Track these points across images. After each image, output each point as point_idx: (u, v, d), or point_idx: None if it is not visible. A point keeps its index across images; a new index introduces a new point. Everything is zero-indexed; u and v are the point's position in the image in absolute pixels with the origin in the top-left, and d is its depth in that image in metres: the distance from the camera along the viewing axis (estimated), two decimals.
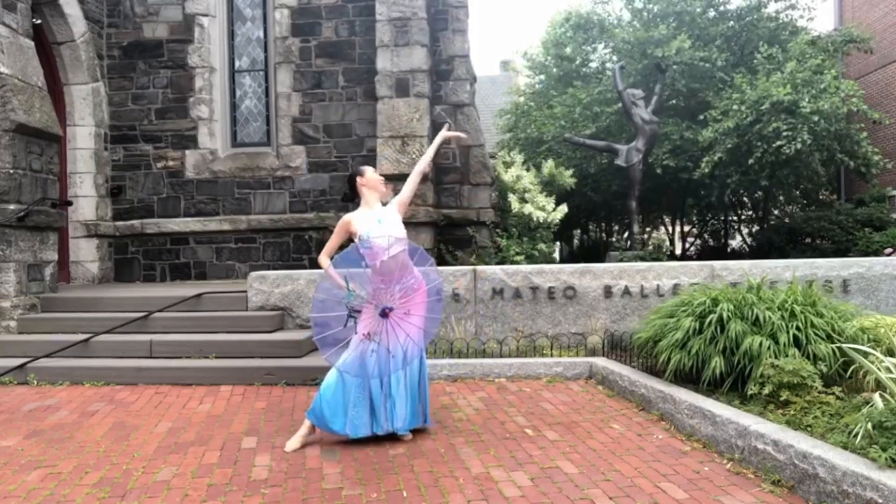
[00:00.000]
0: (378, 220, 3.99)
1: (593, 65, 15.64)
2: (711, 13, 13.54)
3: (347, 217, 4.09)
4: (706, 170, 11.19)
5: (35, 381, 5.51)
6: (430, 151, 4.45)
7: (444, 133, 4.51)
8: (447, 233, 9.08)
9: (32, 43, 7.12)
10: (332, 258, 4.06)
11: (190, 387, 5.35)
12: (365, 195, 4.14)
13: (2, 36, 6.59)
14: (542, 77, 16.65)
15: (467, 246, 8.93)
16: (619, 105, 11.24)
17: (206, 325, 6.21)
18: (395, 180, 7.41)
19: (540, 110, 14.76)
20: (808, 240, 12.18)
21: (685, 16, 13.30)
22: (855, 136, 11.72)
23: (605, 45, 15.17)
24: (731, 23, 13.21)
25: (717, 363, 4.14)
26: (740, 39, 13.01)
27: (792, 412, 3.57)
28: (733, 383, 4.15)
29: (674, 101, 12.79)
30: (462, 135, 5.33)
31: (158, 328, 6.18)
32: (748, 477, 3.29)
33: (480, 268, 6.43)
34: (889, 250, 10.32)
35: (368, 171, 4.19)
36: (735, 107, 10.97)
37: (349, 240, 4.13)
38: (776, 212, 15.46)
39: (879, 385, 3.54)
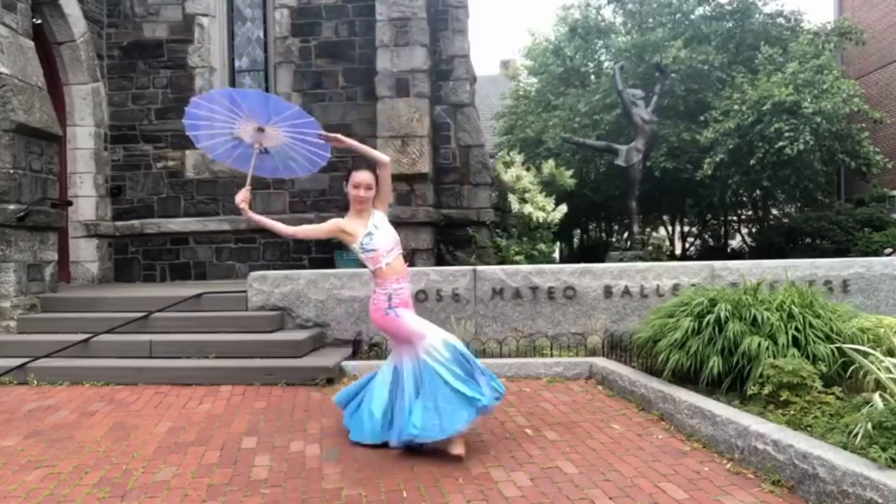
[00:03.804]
0: (375, 226, 3.90)
1: (592, 65, 15.63)
2: (702, 10, 13.53)
3: (339, 221, 3.95)
4: (708, 171, 11.19)
5: (35, 381, 5.51)
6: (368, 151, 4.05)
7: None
8: (447, 233, 9.07)
9: (32, 43, 7.11)
10: (296, 233, 3.96)
11: (190, 387, 5.34)
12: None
13: (2, 36, 6.59)
14: (542, 77, 16.64)
15: (467, 246, 8.92)
16: (619, 111, 11.23)
17: (206, 325, 6.21)
18: (395, 181, 7.42)
19: (539, 114, 14.75)
20: (808, 240, 12.17)
21: (678, 14, 13.30)
22: (856, 135, 11.71)
23: (603, 49, 15.17)
24: (726, 20, 13.21)
25: (715, 363, 4.13)
26: (735, 38, 13.00)
27: (792, 412, 3.57)
28: (732, 383, 4.15)
29: (670, 102, 12.78)
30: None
31: (158, 328, 6.17)
32: (748, 477, 3.29)
33: (480, 268, 6.43)
34: (889, 250, 10.33)
35: (352, 178, 3.91)
36: (736, 107, 10.97)
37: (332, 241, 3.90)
38: (776, 212, 15.47)
39: (879, 385, 3.54)
